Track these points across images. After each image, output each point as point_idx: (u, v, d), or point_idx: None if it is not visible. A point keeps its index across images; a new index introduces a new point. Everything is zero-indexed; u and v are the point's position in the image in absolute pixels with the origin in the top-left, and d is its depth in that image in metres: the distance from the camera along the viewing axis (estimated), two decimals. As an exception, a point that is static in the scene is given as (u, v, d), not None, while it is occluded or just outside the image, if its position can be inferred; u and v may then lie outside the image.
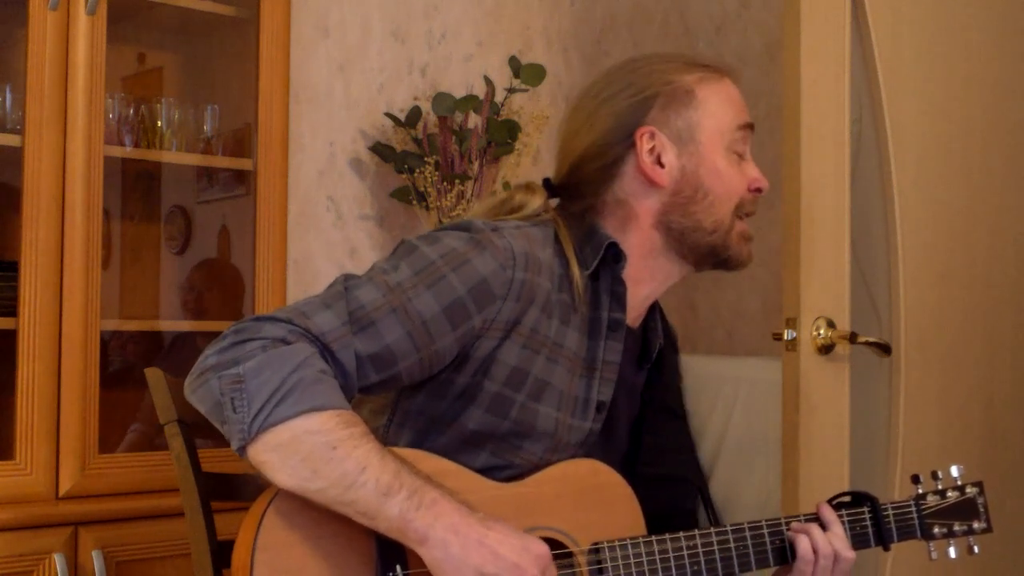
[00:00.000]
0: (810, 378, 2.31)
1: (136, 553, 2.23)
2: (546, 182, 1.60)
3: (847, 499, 1.63)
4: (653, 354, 1.61)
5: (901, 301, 2.55)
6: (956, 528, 1.69)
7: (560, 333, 1.48)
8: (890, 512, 1.63)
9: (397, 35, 3.11)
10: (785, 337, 2.31)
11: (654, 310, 1.62)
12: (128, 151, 2.50)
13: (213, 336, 1.38)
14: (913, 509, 1.65)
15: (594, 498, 1.49)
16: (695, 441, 3.19)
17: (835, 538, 1.54)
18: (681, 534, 1.49)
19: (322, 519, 1.31)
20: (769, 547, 1.54)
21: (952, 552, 1.69)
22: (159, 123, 2.53)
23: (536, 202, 1.56)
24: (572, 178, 1.57)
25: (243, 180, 2.61)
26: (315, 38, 2.96)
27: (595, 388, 1.52)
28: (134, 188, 2.69)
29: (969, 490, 1.71)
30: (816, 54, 2.33)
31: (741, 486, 2.90)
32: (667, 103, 1.53)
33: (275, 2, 2.53)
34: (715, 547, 1.50)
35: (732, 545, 1.51)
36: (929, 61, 2.60)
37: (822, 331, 2.32)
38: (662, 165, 1.52)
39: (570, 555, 1.45)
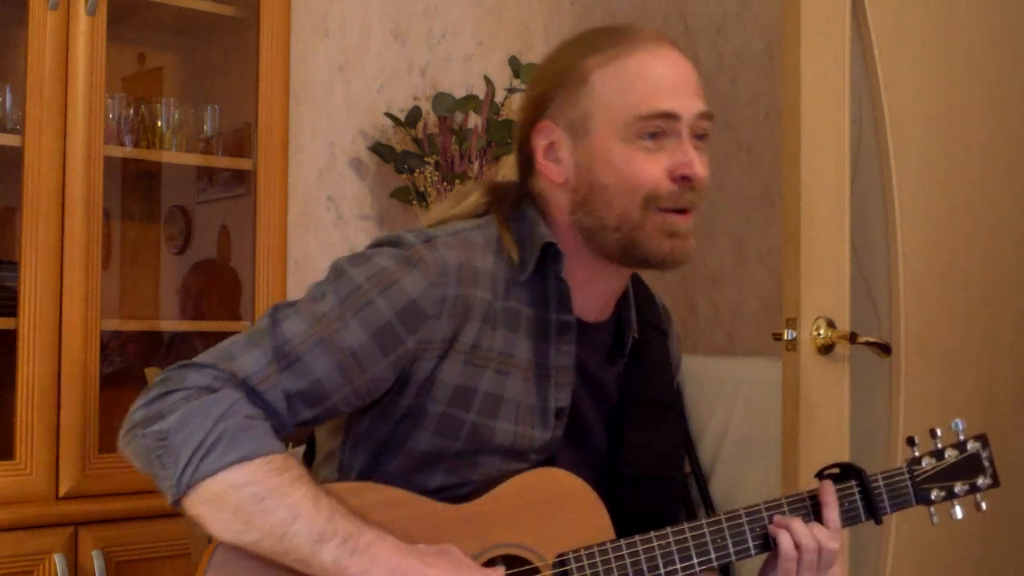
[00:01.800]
0: (810, 378, 2.31)
1: (136, 553, 2.23)
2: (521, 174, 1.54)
3: (836, 471, 1.56)
4: (626, 348, 1.52)
5: (901, 301, 2.55)
6: (958, 488, 1.60)
7: (508, 342, 1.41)
8: (880, 483, 1.55)
9: (397, 35, 3.11)
10: (785, 337, 2.31)
11: (627, 299, 1.53)
12: (128, 151, 2.50)
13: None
14: (906, 476, 1.57)
15: (556, 508, 1.42)
16: (695, 440, 3.19)
17: (818, 530, 1.47)
18: (652, 534, 1.42)
19: (266, 570, 1.27)
20: (749, 537, 1.46)
21: (958, 512, 1.60)
22: (159, 123, 2.53)
23: (471, 199, 1.50)
24: (519, 167, 1.52)
25: (243, 180, 2.61)
26: (315, 38, 2.96)
27: (551, 395, 1.44)
28: (134, 188, 2.68)
29: (971, 445, 1.62)
30: (816, 54, 2.33)
31: (741, 486, 2.91)
32: (566, 93, 1.42)
33: (275, 2, 2.53)
34: (690, 544, 1.43)
35: (708, 539, 1.44)
36: (929, 61, 2.60)
37: (822, 331, 2.32)
38: (559, 161, 1.43)
39: (536, 571, 1.39)
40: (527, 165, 1.48)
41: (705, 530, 1.44)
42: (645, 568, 1.41)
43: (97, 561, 2.16)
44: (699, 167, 1.40)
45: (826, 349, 2.33)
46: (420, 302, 1.35)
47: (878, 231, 2.57)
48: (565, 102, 1.42)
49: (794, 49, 2.31)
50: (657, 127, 1.39)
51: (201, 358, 1.33)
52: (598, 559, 1.40)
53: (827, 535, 1.46)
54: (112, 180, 2.46)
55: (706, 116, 1.43)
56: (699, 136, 1.43)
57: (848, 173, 2.41)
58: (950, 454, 1.61)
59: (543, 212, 1.46)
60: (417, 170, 2.87)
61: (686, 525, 1.44)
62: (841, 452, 2.35)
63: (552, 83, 1.44)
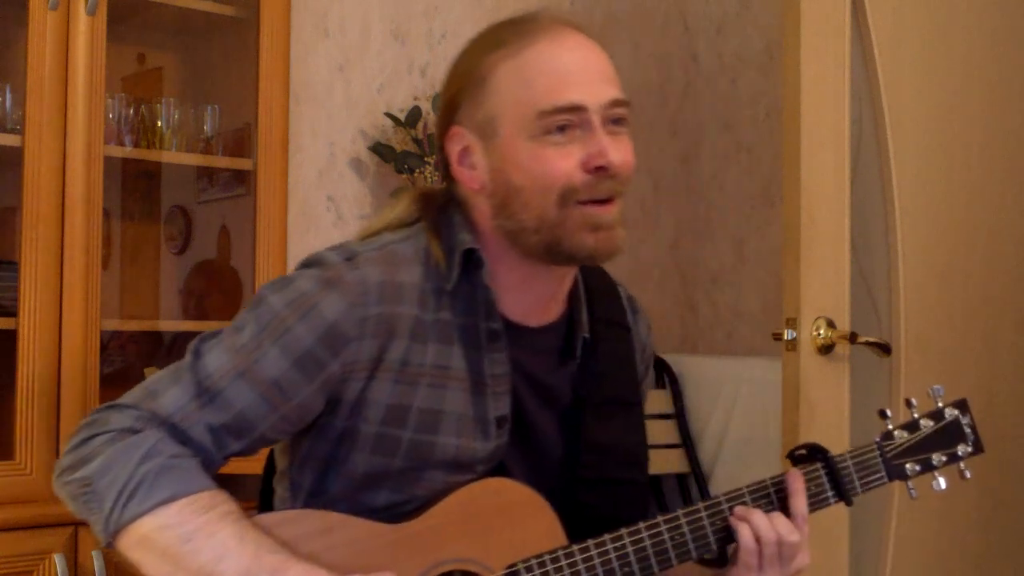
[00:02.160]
0: (810, 378, 2.31)
1: (136, 553, 2.23)
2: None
3: (803, 452, 1.50)
4: (576, 349, 1.46)
5: (901, 301, 2.55)
6: (935, 460, 1.52)
7: (442, 355, 1.37)
8: (849, 462, 1.48)
9: (397, 35, 3.11)
10: (785, 337, 2.31)
11: (577, 297, 1.47)
12: (128, 151, 2.50)
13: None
14: (877, 452, 1.50)
15: (502, 518, 1.38)
16: (695, 440, 3.19)
17: (779, 522, 1.40)
18: (606, 536, 1.37)
19: None
20: (710, 532, 1.40)
21: (941, 484, 1.52)
22: (159, 123, 2.53)
23: (400, 207, 1.45)
24: (445, 173, 1.46)
25: (243, 180, 2.61)
26: (315, 38, 2.96)
27: (490, 404, 1.39)
28: (134, 188, 2.69)
29: (949, 413, 1.55)
30: (816, 54, 2.33)
31: (741, 485, 2.90)
32: (470, 96, 1.37)
33: (275, 2, 2.53)
34: (647, 543, 1.38)
35: (666, 537, 1.38)
36: (929, 61, 2.60)
37: (822, 331, 2.32)
38: (473, 167, 1.38)
39: None
40: (447, 175, 1.43)
41: (662, 528, 1.39)
42: (600, 572, 1.36)
43: (97, 561, 2.16)
44: (614, 154, 1.33)
45: (826, 349, 2.33)
46: (340, 325, 1.31)
47: (878, 231, 2.57)
48: (471, 105, 1.37)
49: (794, 49, 2.31)
50: (563, 121, 1.33)
51: (125, 398, 1.33)
52: (550, 567, 1.36)
53: (787, 528, 1.40)
54: (112, 180, 2.46)
55: (617, 104, 1.36)
56: (615, 121, 1.36)
57: (848, 173, 2.41)
58: (925, 424, 1.53)
59: (469, 218, 1.41)
60: (417, 170, 2.87)
61: (642, 524, 1.38)
62: (841, 452, 2.35)
63: (457, 86, 1.40)
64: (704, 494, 3.12)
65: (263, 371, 1.31)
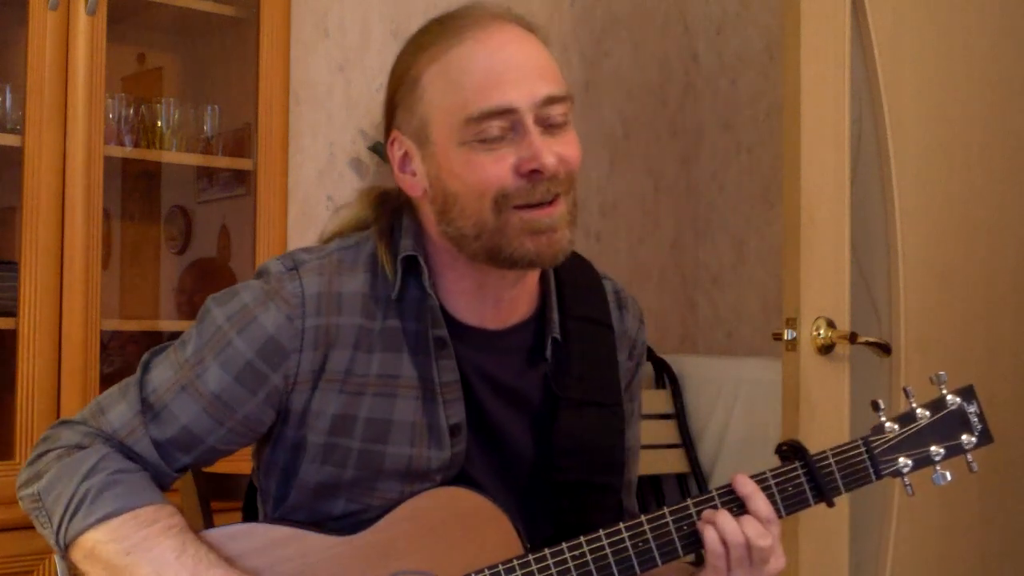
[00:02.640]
0: (810, 378, 2.31)
1: (136, 553, 2.23)
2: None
3: (785, 448, 1.41)
4: (546, 350, 1.40)
5: (901, 301, 2.55)
6: (933, 452, 1.40)
7: (390, 363, 1.34)
8: (831, 460, 1.39)
9: (397, 35, 3.11)
10: (785, 337, 2.31)
11: (546, 296, 1.42)
12: (128, 151, 2.50)
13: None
14: (862, 450, 1.40)
15: (458, 528, 1.34)
16: (695, 440, 3.19)
17: (750, 525, 1.33)
18: (564, 544, 1.32)
19: None
20: (676, 537, 1.35)
21: (945, 477, 1.40)
22: (159, 123, 2.53)
23: (352, 211, 1.43)
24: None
25: (243, 180, 2.61)
26: (315, 38, 2.96)
27: (441, 413, 1.35)
28: (134, 188, 2.68)
29: (951, 400, 1.42)
30: (816, 54, 2.33)
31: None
32: (404, 100, 1.33)
33: (275, 2, 2.53)
34: (607, 551, 1.33)
35: (628, 544, 1.33)
36: (929, 61, 2.60)
37: (822, 331, 2.32)
38: (414, 173, 1.34)
39: None
40: (395, 179, 1.39)
41: (624, 535, 1.34)
42: None
43: (97, 561, 2.16)
44: (548, 156, 1.27)
45: (826, 349, 2.33)
46: (278, 337, 1.31)
47: (878, 231, 2.57)
48: (405, 110, 1.34)
49: (794, 49, 2.31)
50: (494, 127, 1.27)
51: (77, 414, 1.35)
52: None
53: (757, 531, 1.33)
54: (112, 180, 2.46)
55: (552, 100, 1.30)
56: (552, 126, 1.30)
57: (848, 173, 2.41)
58: (922, 415, 1.41)
59: (416, 222, 1.38)
60: (417, 170, 2.87)
61: (602, 532, 1.33)
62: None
63: (393, 88, 1.36)
64: (703, 494, 3.13)
65: (205, 386, 1.32)
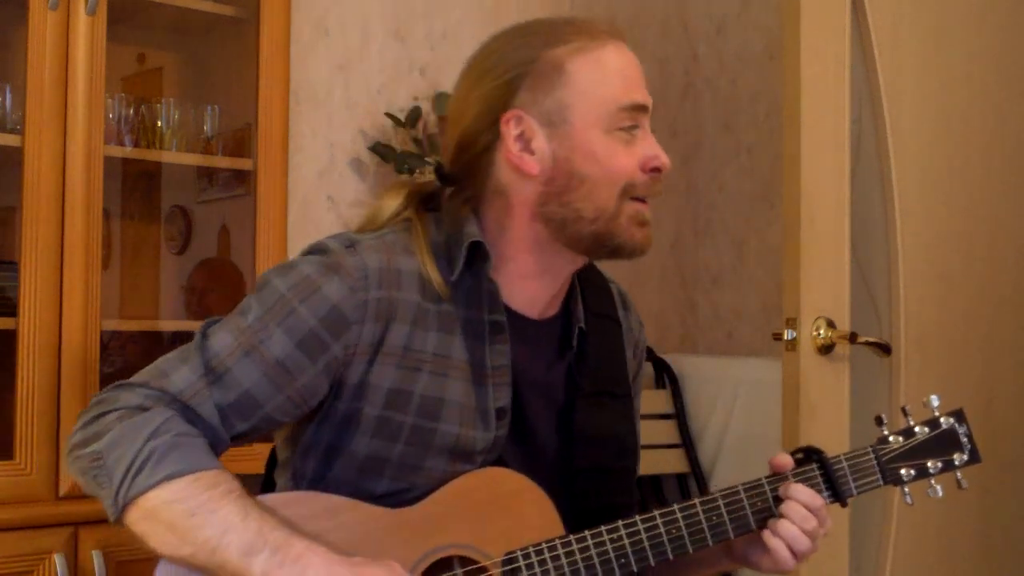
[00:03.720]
0: (810, 378, 2.31)
1: (136, 553, 2.21)
2: (438, 170, 1.50)
3: (800, 455, 1.51)
4: (573, 340, 1.49)
5: (901, 301, 2.55)
6: (930, 466, 1.52)
7: (443, 343, 1.40)
8: (844, 463, 1.50)
9: (397, 35, 3.11)
10: (785, 337, 2.31)
11: (573, 291, 1.51)
12: (128, 151, 2.50)
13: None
14: (872, 456, 1.51)
15: (501, 507, 1.40)
16: (695, 440, 3.19)
17: (806, 521, 1.43)
18: (603, 528, 1.39)
19: None
20: (706, 527, 1.43)
21: (937, 491, 1.53)
22: (159, 123, 2.52)
23: (390, 204, 1.48)
24: (455, 166, 1.47)
25: (243, 180, 2.60)
26: (315, 38, 2.96)
27: (490, 395, 1.42)
28: (134, 188, 2.68)
29: (945, 421, 1.55)
30: (816, 54, 2.34)
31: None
32: (536, 82, 1.40)
33: (275, 2, 2.53)
34: (643, 536, 1.39)
35: (663, 531, 1.40)
36: (929, 61, 2.60)
37: (822, 331, 2.32)
38: (532, 152, 1.40)
39: (483, 570, 1.37)
40: (474, 162, 1.44)
41: (658, 520, 1.41)
42: (597, 563, 1.38)
43: (97, 561, 2.16)
44: (666, 158, 1.43)
45: (826, 349, 2.33)
46: (342, 308, 1.35)
47: (878, 231, 2.58)
48: (537, 91, 1.40)
49: (794, 49, 2.31)
50: (633, 119, 1.41)
51: (135, 377, 1.36)
52: (547, 556, 1.38)
53: (814, 522, 1.43)
54: (112, 180, 2.46)
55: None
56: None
57: (848, 173, 2.41)
58: (920, 431, 1.54)
59: (488, 211, 1.44)
60: (417, 170, 2.87)
61: (638, 518, 1.40)
62: (841, 452, 2.35)
63: (513, 72, 1.41)
64: (704, 494, 3.12)
65: (268, 351, 1.34)
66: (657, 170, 1.42)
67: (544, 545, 1.38)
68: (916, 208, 2.57)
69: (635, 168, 1.41)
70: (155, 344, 2.63)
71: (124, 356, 2.55)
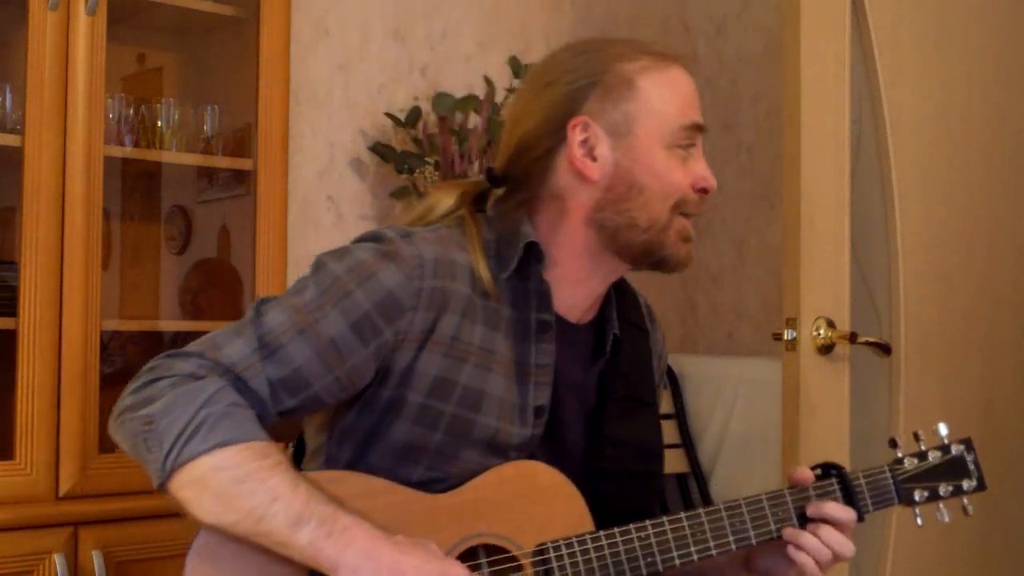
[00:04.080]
0: (810, 378, 2.31)
1: (136, 553, 2.23)
2: (489, 172, 1.54)
3: (818, 472, 1.55)
4: (607, 346, 1.55)
5: (901, 301, 2.55)
6: (942, 490, 1.59)
7: (488, 338, 1.44)
8: (862, 480, 1.54)
9: (397, 35, 3.11)
10: (785, 337, 2.31)
11: (608, 299, 1.57)
12: (128, 151, 2.50)
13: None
14: (888, 475, 1.56)
15: (535, 499, 1.44)
16: (695, 440, 3.19)
17: (834, 537, 1.48)
18: (632, 526, 1.43)
19: (247, 553, 1.30)
20: (730, 532, 1.47)
21: (944, 516, 1.59)
22: (159, 123, 2.52)
23: (446, 201, 1.52)
24: (511, 169, 1.51)
25: (243, 180, 2.60)
26: (315, 38, 2.96)
27: (530, 393, 1.46)
28: (134, 188, 2.68)
29: (955, 449, 1.61)
30: (816, 54, 2.34)
31: (741, 486, 2.90)
32: (605, 93, 1.46)
33: (275, 2, 2.53)
34: (669, 537, 1.44)
35: (688, 533, 1.45)
36: (929, 61, 2.60)
37: (822, 331, 2.32)
38: (595, 158, 1.46)
39: (514, 559, 1.40)
40: (535, 164, 1.48)
41: (685, 524, 1.45)
42: (624, 559, 1.42)
43: (97, 561, 2.16)
44: (714, 180, 1.50)
45: (826, 349, 2.33)
46: (397, 294, 1.38)
47: (878, 231, 2.58)
48: (605, 101, 1.46)
49: (794, 49, 2.32)
50: (691, 138, 1.48)
51: (188, 347, 1.38)
52: (577, 549, 1.41)
53: (839, 538, 1.48)
54: (112, 180, 2.46)
55: None
56: None
57: (848, 173, 2.41)
58: (933, 456, 1.60)
59: (542, 213, 1.49)
60: (417, 170, 2.87)
61: (666, 519, 1.44)
62: (841, 452, 2.35)
63: (583, 82, 1.46)
64: (704, 494, 3.12)
65: (322, 330, 1.37)
66: (705, 191, 1.49)
67: (575, 539, 1.41)
68: (916, 208, 2.57)
69: (687, 185, 1.47)
70: (155, 344, 2.63)
71: (124, 356, 2.55)
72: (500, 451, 1.44)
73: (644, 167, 1.45)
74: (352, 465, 1.43)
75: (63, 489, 2.21)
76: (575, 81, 1.47)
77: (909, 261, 2.56)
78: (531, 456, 1.47)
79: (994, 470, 2.50)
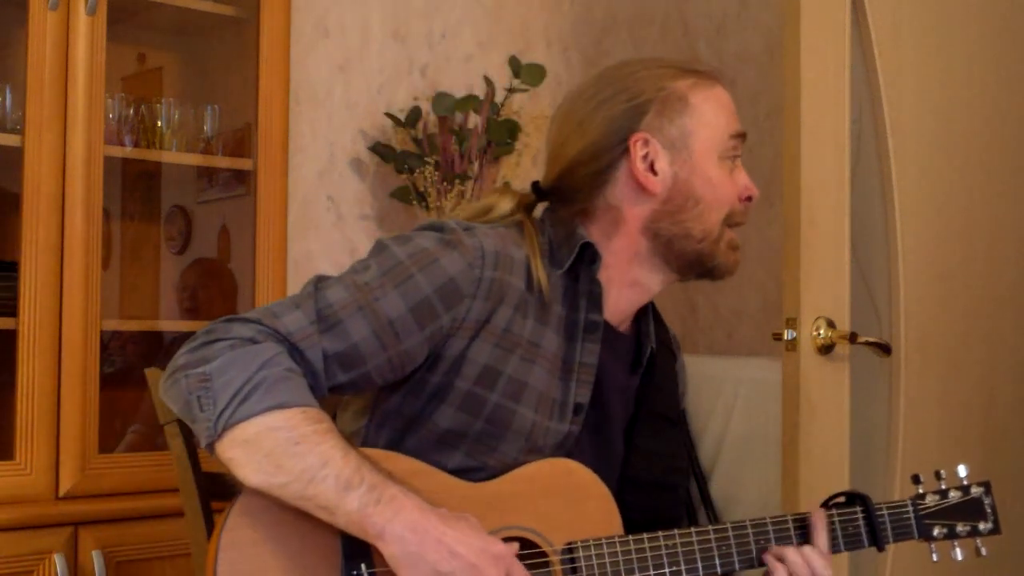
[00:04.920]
0: (810, 378, 2.31)
1: (136, 553, 2.24)
2: (535, 186, 1.60)
3: (842, 499, 1.61)
4: (644, 358, 1.60)
5: (901, 301, 2.54)
6: (959, 529, 1.64)
7: (536, 333, 1.48)
8: (884, 512, 1.60)
9: (397, 35, 3.11)
10: (785, 337, 2.31)
11: (646, 314, 1.62)
12: (128, 151, 2.50)
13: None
14: (910, 509, 1.62)
15: (568, 497, 1.47)
16: (695, 441, 3.19)
17: (813, 556, 1.51)
18: (660, 533, 1.47)
19: (287, 519, 1.31)
20: (754, 548, 1.51)
21: (958, 554, 1.64)
22: (159, 123, 2.53)
23: (505, 204, 1.57)
24: (562, 182, 1.56)
25: (243, 180, 2.61)
26: (315, 38, 2.96)
27: (572, 390, 1.51)
28: (134, 188, 2.69)
29: (975, 490, 1.66)
30: (816, 54, 2.33)
31: (741, 486, 2.90)
32: (661, 109, 1.52)
33: (275, 2, 2.53)
34: (695, 547, 1.48)
35: (714, 546, 1.49)
36: (929, 61, 2.60)
37: (822, 331, 2.32)
38: (655, 172, 1.52)
39: (543, 555, 1.43)
40: (595, 177, 1.53)
41: (711, 536, 1.49)
42: (651, 565, 1.44)
43: (97, 561, 2.16)
44: (757, 190, 1.58)
45: (826, 349, 2.33)
46: (458, 281, 1.42)
47: (878, 231, 2.57)
48: (663, 118, 1.52)
49: (794, 49, 2.31)
50: (737, 148, 1.56)
51: (247, 314, 1.39)
52: (605, 551, 1.44)
53: (821, 562, 1.50)
54: (112, 180, 2.46)
55: None
56: None
57: (848, 173, 2.41)
58: (954, 495, 1.64)
59: (596, 222, 1.54)
60: (417, 170, 2.87)
61: (693, 529, 1.48)
62: (841, 452, 2.35)
63: (643, 99, 1.52)
64: (704, 494, 3.12)
65: (382, 309, 1.40)
66: (750, 199, 1.57)
67: (604, 540, 1.44)
68: (916, 208, 2.57)
69: (736, 196, 1.56)
70: (155, 344, 2.63)
71: (124, 356, 2.55)
72: (537, 445, 1.48)
73: (701, 179, 1.52)
74: (390, 448, 1.45)
75: (63, 489, 2.21)
76: (631, 99, 1.52)
77: (909, 261, 2.55)
78: (569, 454, 1.50)
79: (994, 470, 2.50)
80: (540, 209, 1.62)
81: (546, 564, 1.42)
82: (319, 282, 1.43)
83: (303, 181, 2.92)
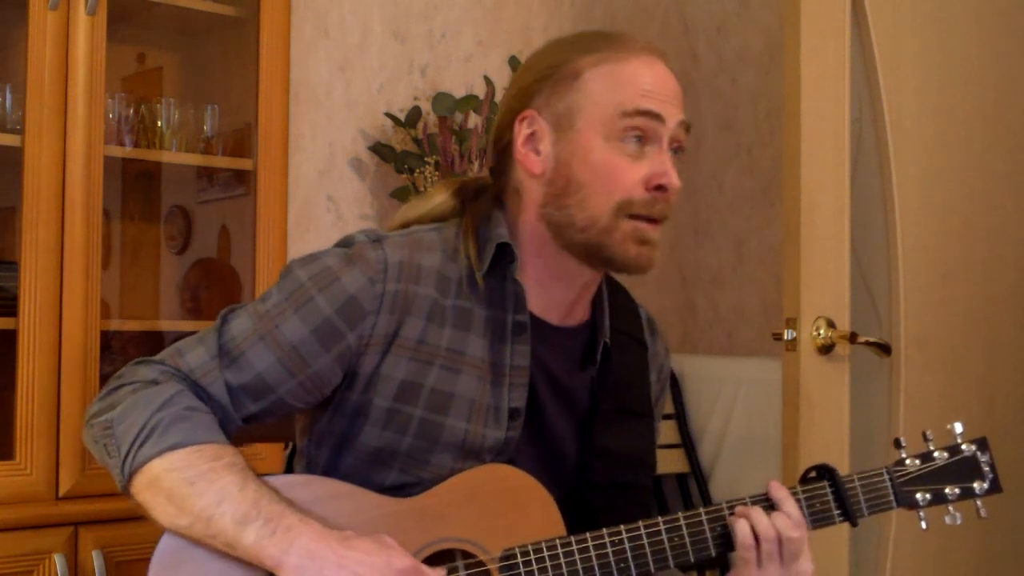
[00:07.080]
0: (810, 378, 2.31)
1: (136, 553, 2.23)
2: (491, 171, 1.53)
3: (813, 475, 1.50)
4: (597, 354, 1.50)
5: (901, 301, 2.55)
6: (948, 492, 1.52)
7: (457, 340, 1.42)
8: (856, 484, 1.49)
9: (397, 35, 3.11)
10: (785, 337, 2.31)
11: (601, 304, 1.53)
12: (128, 151, 2.50)
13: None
14: (886, 477, 1.51)
15: (504, 503, 1.40)
16: (695, 440, 3.19)
17: (780, 519, 1.41)
18: (604, 531, 1.39)
19: (207, 559, 1.30)
20: (709, 536, 1.42)
21: (956, 518, 1.51)
22: (159, 123, 2.52)
23: (439, 198, 1.52)
24: (491, 163, 1.52)
25: (243, 180, 2.60)
26: (315, 38, 2.96)
27: (505, 395, 1.43)
28: (134, 188, 2.68)
29: (966, 448, 1.53)
30: (816, 54, 2.34)
31: (741, 486, 2.90)
32: (554, 86, 1.42)
33: (275, 2, 2.53)
34: (644, 542, 1.40)
35: (664, 538, 1.41)
36: (929, 61, 2.60)
37: (822, 331, 2.32)
38: (538, 152, 1.43)
39: (481, 564, 1.37)
40: (502, 157, 1.48)
41: (661, 528, 1.41)
42: (596, 566, 1.38)
43: (97, 561, 2.16)
44: (675, 178, 1.40)
45: (826, 349, 2.33)
46: (359, 298, 1.38)
47: (878, 231, 2.58)
48: (553, 95, 1.42)
49: (794, 49, 2.32)
50: (640, 126, 1.38)
51: (156, 355, 1.41)
52: (546, 555, 1.38)
53: (788, 524, 1.41)
54: (112, 180, 2.46)
55: (685, 125, 1.43)
56: (675, 150, 1.43)
57: (848, 173, 2.41)
58: (939, 456, 1.53)
59: (509, 209, 1.47)
60: (417, 170, 2.87)
61: (641, 523, 1.41)
62: (841, 452, 2.36)
63: (540, 75, 1.44)
64: (704, 494, 3.13)
65: (283, 336, 1.38)
66: (661, 188, 1.39)
67: (544, 544, 1.38)
68: (916, 208, 2.57)
69: (636, 183, 1.38)
70: (155, 344, 2.63)
71: (124, 356, 2.55)
72: (474, 455, 1.42)
73: (581, 161, 1.39)
74: (329, 468, 1.44)
75: (63, 489, 2.21)
76: (530, 76, 1.45)
77: (909, 261, 2.56)
78: (510, 460, 1.44)
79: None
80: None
81: (486, 574, 1.37)
82: (228, 314, 1.42)
83: (303, 181, 2.92)
